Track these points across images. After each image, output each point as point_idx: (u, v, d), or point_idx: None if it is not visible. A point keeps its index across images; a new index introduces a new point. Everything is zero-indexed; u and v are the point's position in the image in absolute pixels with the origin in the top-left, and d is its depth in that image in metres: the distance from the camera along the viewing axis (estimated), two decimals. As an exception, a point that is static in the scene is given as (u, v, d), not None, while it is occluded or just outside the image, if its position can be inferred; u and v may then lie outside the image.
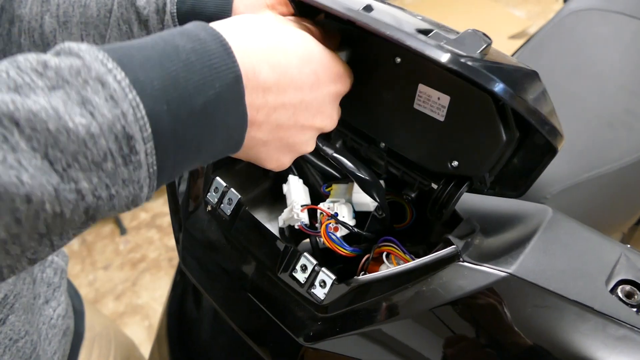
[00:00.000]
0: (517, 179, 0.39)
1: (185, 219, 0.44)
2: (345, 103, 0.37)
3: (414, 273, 0.34)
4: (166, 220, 2.07)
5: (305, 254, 0.37)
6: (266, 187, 0.51)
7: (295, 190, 0.49)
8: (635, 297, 0.34)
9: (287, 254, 0.38)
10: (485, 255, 0.35)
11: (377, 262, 0.43)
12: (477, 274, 0.33)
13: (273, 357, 0.39)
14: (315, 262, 0.37)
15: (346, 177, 0.53)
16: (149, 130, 0.24)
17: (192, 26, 0.29)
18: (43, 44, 0.56)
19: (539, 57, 1.01)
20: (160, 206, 2.12)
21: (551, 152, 0.36)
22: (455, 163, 0.37)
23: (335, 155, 0.38)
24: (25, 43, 0.57)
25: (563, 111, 0.91)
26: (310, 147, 0.36)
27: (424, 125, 0.36)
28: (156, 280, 1.89)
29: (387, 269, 0.35)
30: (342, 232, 0.46)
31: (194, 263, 0.45)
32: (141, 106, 0.24)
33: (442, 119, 0.35)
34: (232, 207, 0.41)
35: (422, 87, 0.35)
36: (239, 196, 0.41)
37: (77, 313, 0.62)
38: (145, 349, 1.77)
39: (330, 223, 0.45)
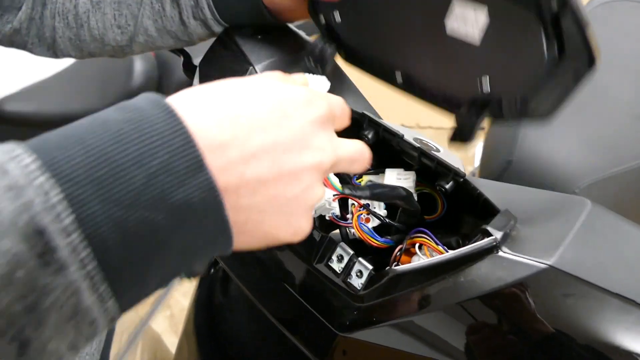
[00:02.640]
0: (548, 101, 0.37)
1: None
2: (361, 25, 0.35)
3: (452, 264, 0.34)
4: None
5: (342, 244, 0.37)
6: None
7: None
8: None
9: (322, 244, 0.38)
10: (524, 247, 0.35)
11: (409, 253, 0.43)
12: (516, 265, 0.33)
13: (307, 346, 0.39)
14: (351, 252, 0.37)
15: (377, 168, 0.53)
16: (70, 218, 0.20)
17: (133, 99, 0.25)
18: (77, 26, 0.56)
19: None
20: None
21: (590, 66, 0.34)
22: (486, 85, 0.36)
23: (369, 199, 0.38)
24: (59, 26, 0.57)
25: (593, 104, 0.90)
26: (318, 193, 0.29)
27: (454, 50, 0.35)
28: (177, 271, 1.91)
29: (423, 260, 0.35)
30: (373, 223, 0.46)
31: (233, 261, 0.45)
32: (54, 192, 0.20)
33: (477, 43, 0.35)
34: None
35: (457, 4, 0.34)
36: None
37: None
38: (167, 338, 1.81)
39: (362, 214, 0.45)
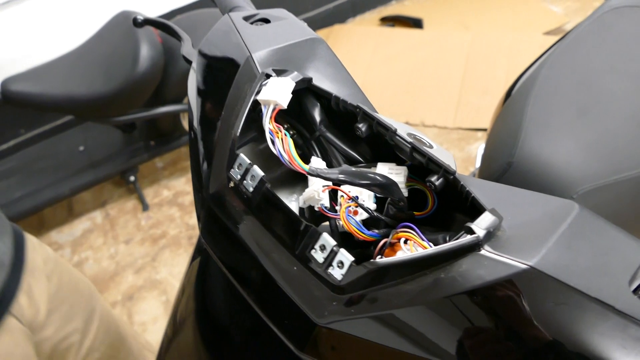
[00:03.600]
0: None
1: (208, 194, 0.45)
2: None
3: (434, 259, 0.34)
4: (187, 198, 2.09)
5: (325, 234, 0.37)
6: (284, 170, 0.51)
7: (319, 171, 0.49)
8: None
9: (306, 233, 0.38)
10: (507, 246, 0.34)
11: (394, 247, 0.43)
12: (497, 264, 0.33)
13: (287, 335, 0.39)
14: (334, 242, 0.37)
15: (370, 161, 0.52)
16: None
17: None
18: None
19: (574, 53, 0.99)
20: (182, 185, 2.15)
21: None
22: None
23: (341, 177, 0.37)
24: None
25: (597, 109, 0.89)
26: None
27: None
28: (175, 257, 1.92)
29: (405, 254, 0.35)
30: (361, 216, 0.46)
31: (214, 238, 0.45)
32: None
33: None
34: (255, 184, 0.41)
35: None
36: (262, 174, 0.41)
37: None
38: (162, 323, 1.81)
39: (350, 206, 0.45)
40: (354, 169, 0.39)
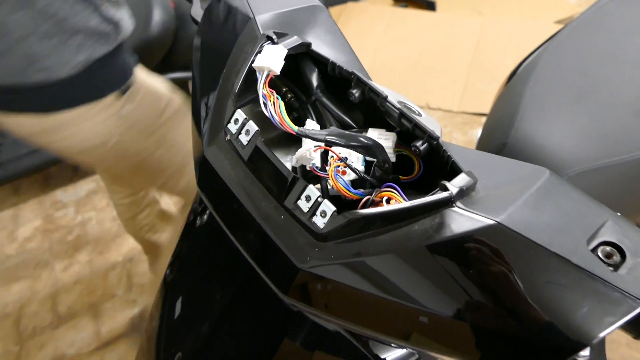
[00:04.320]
0: None
1: (206, 147, 0.48)
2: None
3: (408, 213, 0.37)
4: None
5: (311, 185, 0.40)
6: (278, 131, 0.53)
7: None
8: (614, 257, 0.35)
9: (293, 184, 0.40)
10: (478, 204, 0.37)
11: (379, 205, 0.45)
12: (467, 220, 0.36)
13: (273, 280, 0.43)
14: (318, 193, 0.40)
15: (362, 127, 0.55)
16: None
17: None
18: None
19: (575, 40, 1.00)
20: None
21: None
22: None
23: (328, 138, 0.40)
24: None
25: (594, 95, 0.91)
26: None
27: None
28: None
29: (382, 207, 0.38)
30: (350, 176, 0.49)
31: (209, 189, 0.48)
32: None
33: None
34: (249, 137, 0.44)
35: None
36: (257, 128, 0.43)
37: None
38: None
39: (339, 166, 0.48)
40: (341, 131, 0.41)
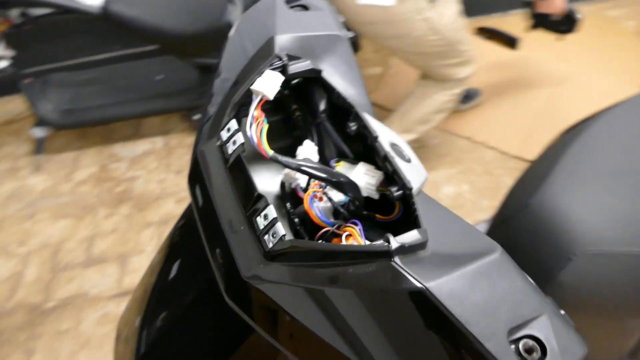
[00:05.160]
0: None
1: (201, 143, 0.51)
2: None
3: (346, 255, 0.38)
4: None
5: (271, 206, 0.42)
6: (284, 145, 0.55)
7: (305, 154, 0.53)
8: (534, 354, 0.35)
9: (258, 200, 0.43)
10: (417, 264, 0.38)
11: (347, 239, 0.47)
12: (397, 277, 0.37)
13: (221, 279, 0.45)
14: (275, 215, 0.42)
15: (356, 159, 0.56)
16: None
17: None
18: None
19: (633, 115, 0.95)
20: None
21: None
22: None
23: (299, 167, 0.41)
24: None
25: (631, 177, 0.86)
26: None
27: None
28: (213, 200, 2.04)
29: (323, 244, 0.40)
30: (328, 203, 0.50)
31: (194, 185, 0.51)
32: None
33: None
34: (235, 148, 0.47)
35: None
36: (242, 141, 0.46)
37: None
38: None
39: (317, 192, 0.50)
40: (315, 163, 0.43)
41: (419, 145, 2.11)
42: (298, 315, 0.38)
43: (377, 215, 0.52)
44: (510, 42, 2.53)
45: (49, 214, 2.03)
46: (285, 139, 0.59)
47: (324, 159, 0.57)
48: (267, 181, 0.52)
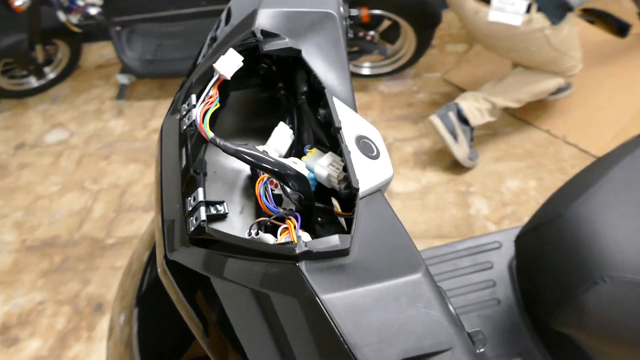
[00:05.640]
0: None
1: (169, 113, 0.51)
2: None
3: (256, 252, 0.37)
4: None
5: (200, 189, 0.41)
6: (268, 124, 0.53)
7: (278, 137, 0.51)
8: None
9: (192, 181, 0.42)
10: (325, 272, 0.35)
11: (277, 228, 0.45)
12: (297, 281, 0.34)
13: (164, 244, 0.45)
14: (201, 199, 0.41)
15: (330, 149, 0.53)
16: None
17: None
18: None
19: None
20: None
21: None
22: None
23: (234, 152, 0.39)
24: None
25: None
26: None
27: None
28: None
29: (233, 236, 0.38)
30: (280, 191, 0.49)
31: (159, 147, 0.51)
32: None
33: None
34: (188, 123, 0.46)
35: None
36: (196, 118, 0.45)
37: None
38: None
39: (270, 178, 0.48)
40: (256, 150, 0.41)
41: (489, 133, 1.98)
42: (204, 305, 0.38)
43: (335, 211, 0.50)
44: (620, 28, 2.25)
45: (123, 157, 2.18)
46: (269, 117, 0.57)
47: (301, 143, 0.55)
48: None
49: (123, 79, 2.33)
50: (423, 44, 2.16)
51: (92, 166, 2.16)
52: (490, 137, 1.98)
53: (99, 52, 2.75)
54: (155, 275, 0.69)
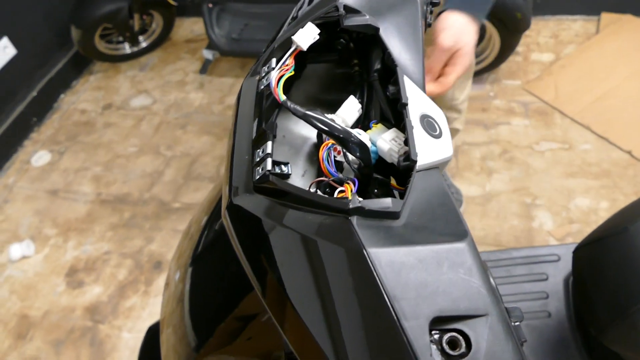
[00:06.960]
0: None
1: (250, 75, 0.55)
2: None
3: (308, 202, 0.40)
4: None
5: (269, 142, 0.45)
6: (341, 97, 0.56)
7: (347, 108, 0.54)
8: (458, 349, 0.34)
9: (262, 135, 0.46)
10: (374, 229, 0.38)
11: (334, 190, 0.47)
12: (346, 232, 0.37)
13: (228, 192, 0.49)
14: (269, 152, 0.44)
15: (395, 126, 0.55)
16: None
17: None
18: None
19: None
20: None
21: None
22: None
23: (306, 116, 0.42)
24: None
25: None
26: None
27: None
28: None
29: (294, 187, 0.41)
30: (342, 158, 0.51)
31: (237, 101, 0.55)
32: None
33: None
34: (265, 84, 0.49)
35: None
36: (273, 80, 0.48)
37: None
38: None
39: (334, 144, 0.51)
40: (323, 115, 0.44)
41: (564, 147, 1.91)
42: (261, 248, 0.41)
43: (392, 183, 0.51)
44: None
45: (197, 128, 2.30)
46: (341, 92, 0.60)
47: (367, 119, 0.57)
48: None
49: (208, 54, 2.45)
50: (507, 49, 2.10)
51: (168, 133, 2.29)
52: (565, 152, 1.90)
53: (189, 27, 2.89)
54: (211, 238, 0.74)
